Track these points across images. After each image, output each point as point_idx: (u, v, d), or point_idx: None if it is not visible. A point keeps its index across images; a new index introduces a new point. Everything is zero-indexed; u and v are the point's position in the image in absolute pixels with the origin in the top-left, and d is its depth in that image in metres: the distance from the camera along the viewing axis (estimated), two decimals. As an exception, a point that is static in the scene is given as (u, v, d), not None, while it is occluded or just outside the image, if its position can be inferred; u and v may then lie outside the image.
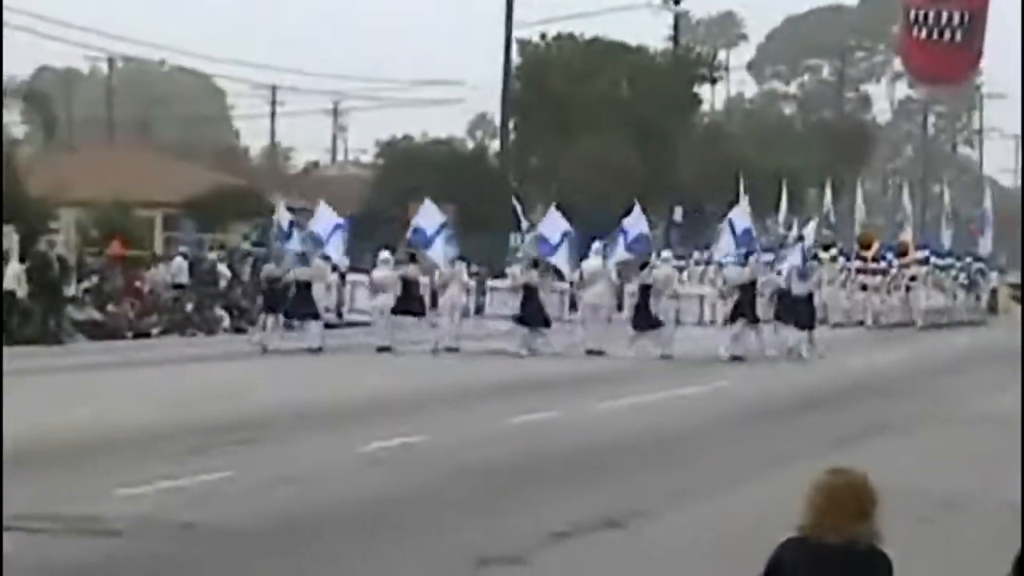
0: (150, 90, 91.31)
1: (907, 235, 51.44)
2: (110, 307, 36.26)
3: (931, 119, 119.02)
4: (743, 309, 30.89)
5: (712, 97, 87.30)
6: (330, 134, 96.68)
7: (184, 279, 39.45)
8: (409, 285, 31.69)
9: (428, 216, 32.60)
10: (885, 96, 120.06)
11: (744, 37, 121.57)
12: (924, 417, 21.25)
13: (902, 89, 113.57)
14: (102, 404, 19.68)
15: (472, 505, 13.26)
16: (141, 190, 48.83)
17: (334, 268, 33.28)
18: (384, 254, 32.55)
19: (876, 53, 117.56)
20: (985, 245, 54.62)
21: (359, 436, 16.90)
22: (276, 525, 12.11)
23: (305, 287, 31.19)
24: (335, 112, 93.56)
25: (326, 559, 10.98)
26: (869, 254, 48.72)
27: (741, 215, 33.04)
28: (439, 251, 32.18)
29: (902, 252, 49.45)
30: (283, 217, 32.79)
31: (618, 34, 65.95)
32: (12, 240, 34.53)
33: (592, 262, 32.22)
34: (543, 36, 64.81)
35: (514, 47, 60.74)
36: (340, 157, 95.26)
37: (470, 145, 76.13)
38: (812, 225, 41.51)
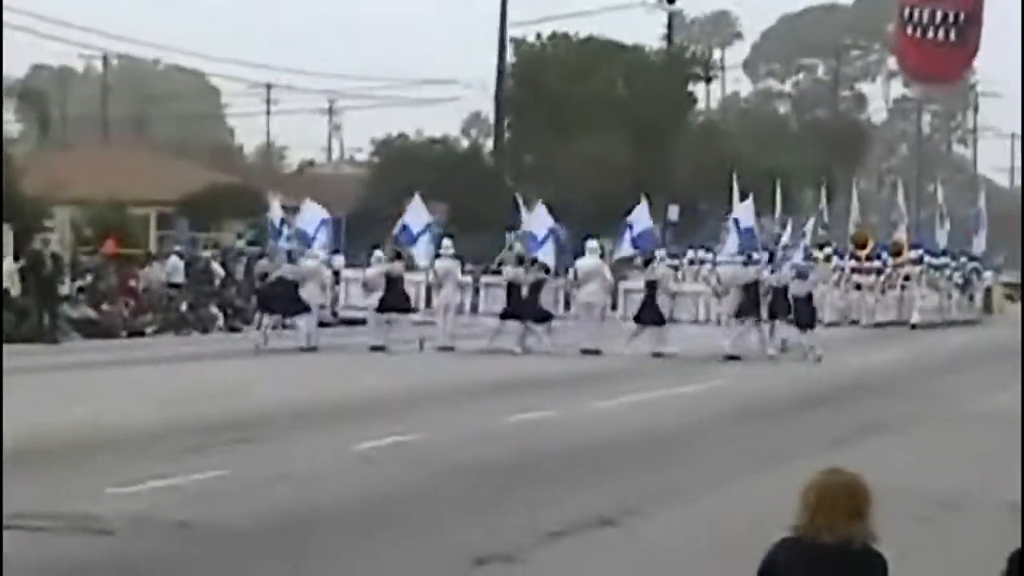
0: (145, 88, 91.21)
1: (902, 234, 51.36)
2: (105, 306, 36.22)
3: (926, 118, 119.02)
4: (748, 308, 30.88)
5: (707, 96, 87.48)
6: (325, 133, 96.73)
7: (179, 278, 39.39)
8: (393, 282, 31.68)
9: (416, 215, 32.64)
10: (880, 95, 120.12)
11: (739, 36, 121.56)
12: (921, 416, 21.24)
13: (897, 88, 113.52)
14: (98, 403, 19.66)
15: (467, 504, 13.25)
16: (136, 188, 48.81)
17: (328, 265, 33.28)
18: (378, 253, 32.61)
19: (871, 52, 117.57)
20: (979, 244, 54.57)
21: (354, 435, 16.89)
22: (271, 524, 12.10)
23: (293, 285, 31.13)
24: (330, 111, 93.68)
25: (321, 558, 10.96)
26: (863, 253, 48.66)
27: (745, 213, 33.04)
28: (422, 249, 32.32)
29: (897, 251, 49.39)
30: (276, 215, 32.84)
31: (613, 33, 66.01)
32: (7, 238, 34.51)
33: (587, 260, 32.23)
34: (538, 35, 64.84)
35: (509, 46, 60.77)
36: (335, 156, 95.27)
37: (465, 144, 76.08)
38: (810, 224, 41.42)
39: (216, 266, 41.92)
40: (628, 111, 61.76)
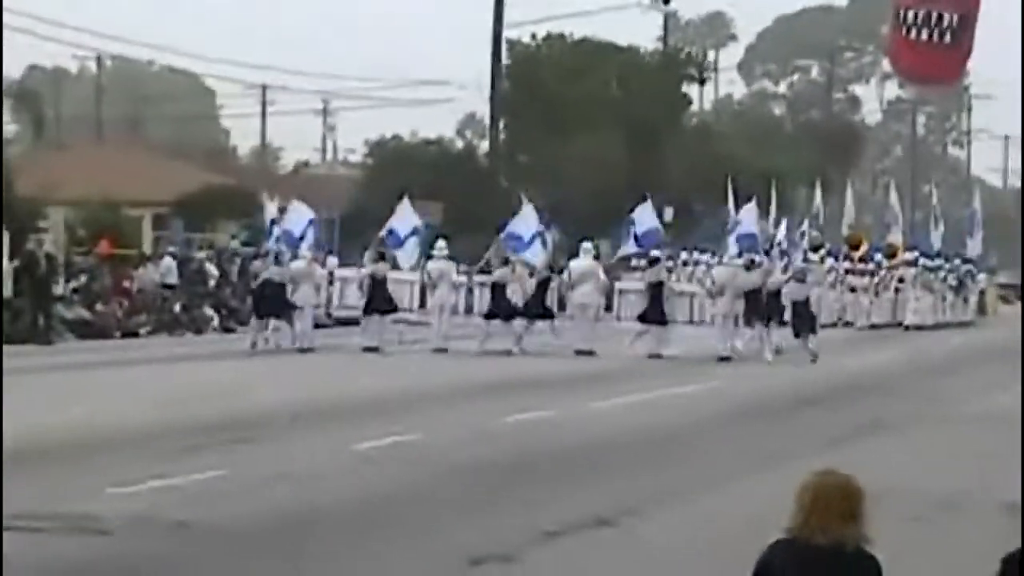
0: (140, 89, 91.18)
1: (896, 236, 51.38)
2: (99, 306, 36.19)
3: (920, 120, 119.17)
4: (758, 311, 30.89)
5: (701, 97, 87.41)
6: (320, 134, 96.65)
7: (173, 279, 39.36)
8: (377, 283, 31.64)
9: (403, 218, 32.59)
10: (874, 97, 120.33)
11: (733, 37, 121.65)
12: (918, 416, 21.27)
13: (891, 90, 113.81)
14: (93, 403, 19.65)
15: (465, 504, 13.25)
16: (130, 189, 48.72)
17: (323, 265, 33.31)
18: (369, 253, 32.57)
19: (865, 54, 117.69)
20: (974, 246, 54.63)
21: (351, 435, 16.89)
22: (269, 524, 12.10)
23: (279, 287, 31.09)
24: (324, 112, 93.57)
25: (319, 557, 10.97)
26: (858, 255, 48.70)
27: (748, 217, 33.06)
28: (408, 253, 32.29)
29: (891, 253, 49.43)
30: (269, 216, 32.87)
31: (608, 34, 65.98)
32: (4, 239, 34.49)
33: (581, 262, 32.26)
34: (533, 36, 64.83)
35: (504, 47, 60.75)
36: (329, 157, 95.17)
37: (459, 145, 76.04)
38: (805, 225, 41.51)
39: (210, 267, 41.89)
40: (623, 112, 61.77)
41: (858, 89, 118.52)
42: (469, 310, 34.56)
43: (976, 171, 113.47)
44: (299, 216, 32.39)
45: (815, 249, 46.46)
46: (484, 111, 65.67)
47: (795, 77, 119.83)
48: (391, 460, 15.54)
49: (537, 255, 32.12)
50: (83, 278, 37.63)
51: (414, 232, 32.39)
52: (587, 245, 32.72)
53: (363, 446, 16.13)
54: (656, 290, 31.79)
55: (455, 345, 31.06)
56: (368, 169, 66.73)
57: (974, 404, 23.04)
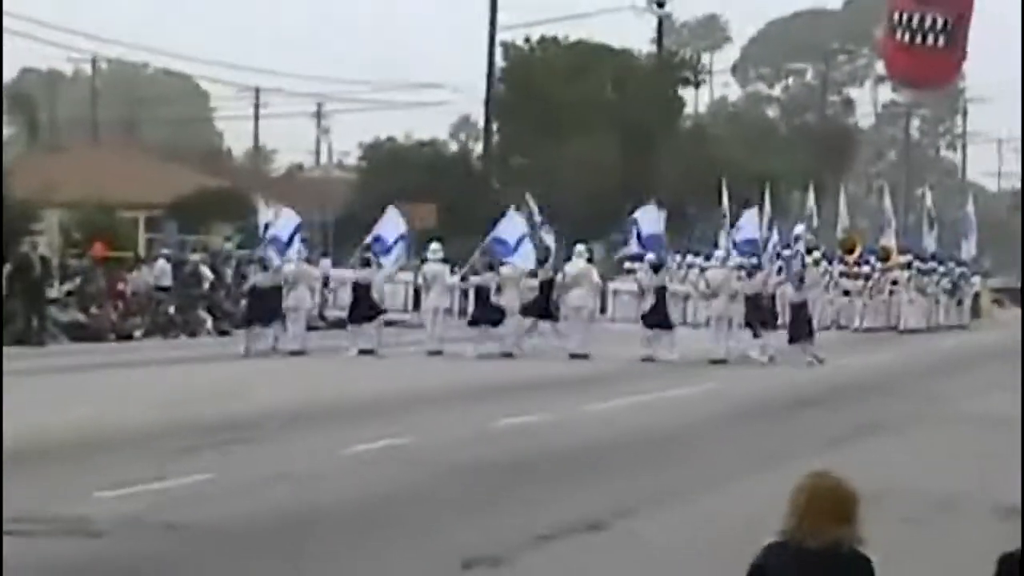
0: (134, 92, 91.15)
1: (890, 239, 51.41)
2: (93, 309, 36.15)
3: (914, 123, 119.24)
4: (761, 317, 30.89)
5: (696, 100, 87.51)
6: (314, 136, 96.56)
7: (167, 281, 39.31)
8: (360, 289, 31.55)
9: (389, 226, 32.49)
10: (868, 100, 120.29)
11: (728, 40, 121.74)
12: (917, 417, 21.28)
13: (885, 93, 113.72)
14: (88, 406, 19.61)
15: (459, 506, 13.23)
16: (125, 191, 48.73)
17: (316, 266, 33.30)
18: (355, 260, 32.58)
19: (859, 57, 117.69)
20: (968, 249, 54.68)
21: (348, 437, 16.87)
22: (266, 525, 12.08)
23: (268, 292, 31.00)
24: (319, 114, 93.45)
25: (316, 558, 10.95)
26: (852, 258, 48.72)
27: (749, 222, 33.04)
28: (393, 259, 32.25)
29: (885, 256, 49.45)
30: (263, 220, 32.85)
31: (602, 37, 65.95)
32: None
33: (575, 264, 32.25)
34: (527, 39, 64.82)
35: (498, 50, 60.78)
36: (324, 159, 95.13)
37: (454, 147, 76.06)
38: (801, 229, 41.48)
39: (205, 269, 41.83)
40: (617, 115, 61.77)
41: (852, 92, 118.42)
42: (463, 313, 34.52)
43: (970, 174, 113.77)
44: (287, 221, 32.35)
45: (810, 252, 46.49)
46: (478, 114, 65.79)
47: (789, 80, 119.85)
48: (388, 462, 15.51)
49: (525, 259, 32.04)
50: (77, 281, 37.58)
51: (400, 238, 32.33)
52: (581, 248, 32.72)
53: (359, 448, 16.10)
54: (661, 295, 31.70)
55: (449, 348, 31.04)
56: (362, 172, 66.72)
57: (973, 405, 23.04)
